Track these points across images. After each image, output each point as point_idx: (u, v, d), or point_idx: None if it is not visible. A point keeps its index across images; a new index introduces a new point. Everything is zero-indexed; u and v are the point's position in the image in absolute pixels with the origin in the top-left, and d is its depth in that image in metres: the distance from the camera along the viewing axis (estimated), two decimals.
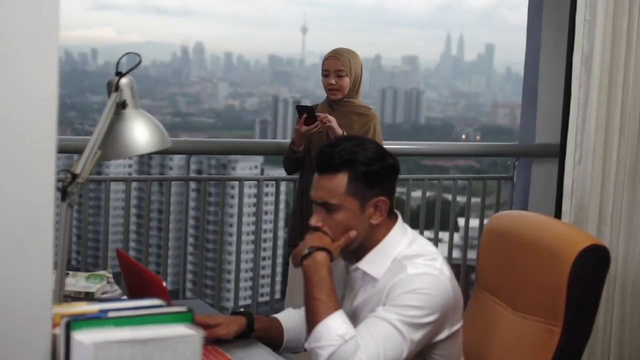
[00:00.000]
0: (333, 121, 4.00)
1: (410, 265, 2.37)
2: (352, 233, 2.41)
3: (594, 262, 2.50)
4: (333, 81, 4.10)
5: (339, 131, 4.00)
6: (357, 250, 2.48)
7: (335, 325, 2.28)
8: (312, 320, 2.33)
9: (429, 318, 2.32)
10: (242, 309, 2.66)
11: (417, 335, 2.31)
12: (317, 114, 4.05)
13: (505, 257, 2.74)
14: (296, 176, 4.38)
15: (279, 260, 4.91)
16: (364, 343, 2.26)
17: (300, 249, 2.43)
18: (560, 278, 2.48)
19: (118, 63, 2.26)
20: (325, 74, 4.13)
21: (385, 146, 4.18)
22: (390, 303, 2.33)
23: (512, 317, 2.66)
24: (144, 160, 33.41)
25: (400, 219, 2.53)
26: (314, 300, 2.34)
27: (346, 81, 4.10)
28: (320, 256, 2.38)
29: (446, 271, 2.38)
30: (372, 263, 2.46)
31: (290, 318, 2.67)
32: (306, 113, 4.06)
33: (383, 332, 2.28)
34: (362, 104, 4.22)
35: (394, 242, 2.46)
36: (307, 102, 4.21)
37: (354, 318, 2.43)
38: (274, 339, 2.63)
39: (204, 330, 2.23)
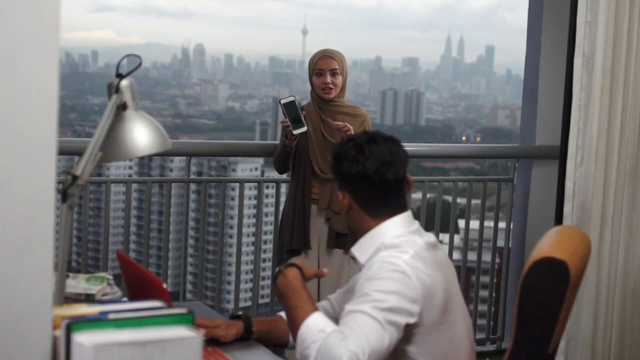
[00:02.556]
0: (351, 129, 3.99)
1: (381, 254, 2.45)
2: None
3: (545, 277, 2.29)
4: (329, 80, 4.11)
5: None
6: (354, 235, 2.63)
7: (314, 323, 2.32)
8: (294, 329, 2.37)
9: (393, 302, 2.34)
10: (240, 313, 2.67)
11: (391, 317, 2.33)
12: (336, 123, 4.02)
13: None
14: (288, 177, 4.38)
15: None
16: (347, 333, 2.29)
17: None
18: (517, 292, 2.34)
19: (118, 65, 2.26)
20: (319, 73, 4.13)
21: None
22: (356, 294, 2.39)
23: None
24: (145, 162, 33.43)
25: (406, 213, 2.58)
26: (291, 310, 2.40)
27: (339, 80, 4.13)
28: (291, 272, 2.48)
29: (413, 263, 2.41)
30: (360, 248, 2.56)
31: None
32: (290, 115, 4.04)
33: (360, 322, 2.31)
34: (350, 104, 4.23)
35: (384, 231, 2.53)
36: (297, 100, 4.14)
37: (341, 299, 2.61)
38: (277, 338, 2.65)
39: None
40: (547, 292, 2.31)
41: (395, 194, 2.58)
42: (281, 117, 4.12)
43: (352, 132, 3.97)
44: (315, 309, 2.39)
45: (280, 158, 4.21)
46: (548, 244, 2.43)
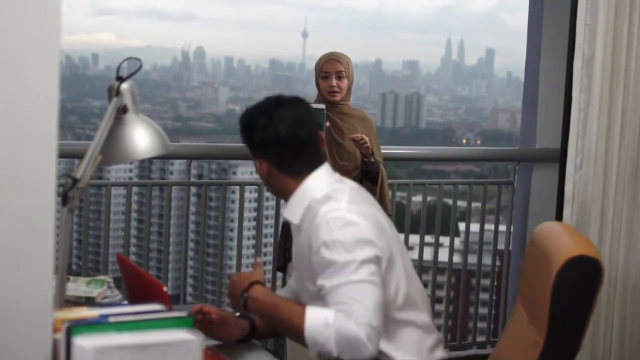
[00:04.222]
0: (367, 141, 3.99)
1: (320, 212, 2.49)
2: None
3: (580, 274, 2.35)
4: (334, 82, 4.10)
5: (371, 150, 4.00)
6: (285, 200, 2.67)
7: (314, 321, 2.35)
8: (298, 337, 2.40)
9: (361, 255, 2.39)
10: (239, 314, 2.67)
11: (368, 268, 2.38)
12: (353, 136, 4.00)
13: (529, 268, 2.71)
14: None
15: None
16: (346, 310, 2.33)
17: (234, 301, 2.55)
18: (546, 288, 2.38)
19: (119, 68, 2.26)
20: (325, 75, 4.12)
21: (386, 151, 4.19)
22: (321, 266, 2.42)
23: (526, 327, 2.60)
24: (145, 165, 33.43)
25: (324, 166, 2.63)
26: (284, 323, 2.44)
27: (345, 83, 4.12)
28: (255, 291, 2.51)
29: (353, 207, 2.48)
30: (290, 209, 2.61)
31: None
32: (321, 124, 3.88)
33: (348, 293, 2.35)
34: (356, 108, 4.24)
35: (309, 187, 2.58)
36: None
37: (297, 268, 2.65)
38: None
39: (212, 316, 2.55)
40: (581, 290, 2.38)
41: (311, 151, 2.61)
42: None
43: (368, 143, 3.97)
44: (301, 307, 2.42)
45: None
46: (571, 242, 2.49)
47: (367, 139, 3.98)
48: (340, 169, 4.04)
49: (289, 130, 2.55)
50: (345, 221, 2.44)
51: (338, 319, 2.33)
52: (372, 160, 4.04)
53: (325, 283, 2.40)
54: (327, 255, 2.41)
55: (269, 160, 2.58)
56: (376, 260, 2.43)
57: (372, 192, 4.11)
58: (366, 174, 4.07)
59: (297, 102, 2.63)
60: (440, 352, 2.68)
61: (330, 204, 2.49)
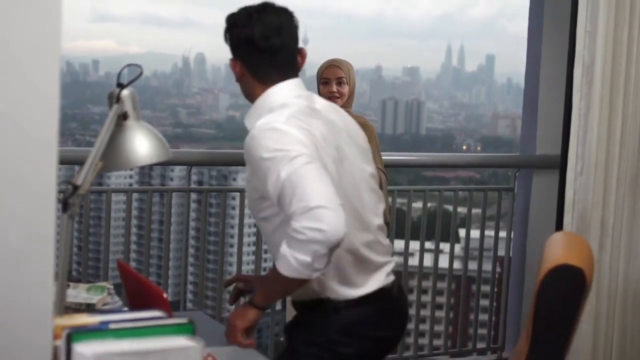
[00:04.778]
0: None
1: (257, 124, 2.58)
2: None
3: (561, 284, 2.31)
4: (334, 88, 4.11)
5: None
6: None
7: (281, 265, 2.44)
8: (295, 285, 2.50)
9: (294, 152, 2.45)
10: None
11: (304, 157, 2.44)
12: None
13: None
14: None
15: None
16: (298, 197, 2.38)
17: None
18: (533, 298, 2.36)
19: (119, 75, 2.26)
20: (325, 82, 4.14)
21: (386, 158, 4.19)
22: (262, 177, 2.50)
23: (522, 337, 2.58)
24: (145, 171, 33.38)
25: (295, 80, 2.69)
26: (280, 292, 2.68)
27: (346, 89, 4.13)
28: (253, 313, 2.61)
29: (290, 121, 2.53)
30: (249, 116, 2.71)
31: None
32: None
33: (292, 185, 2.40)
34: (357, 114, 4.24)
35: (270, 95, 2.66)
36: None
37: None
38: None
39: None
40: (564, 299, 2.33)
41: (284, 61, 2.67)
42: None
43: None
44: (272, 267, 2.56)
45: None
46: (560, 251, 2.45)
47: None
48: None
49: (264, 34, 2.61)
50: (272, 127, 2.52)
51: (286, 241, 2.40)
52: None
53: (270, 189, 2.46)
54: (264, 163, 2.49)
55: (242, 61, 2.67)
56: (308, 157, 2.45)
57: None
58: None
59: (282, 11, 2.68)
60: (376, 282, 2.71)
61: (270, 116, 2.57)
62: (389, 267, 2.77)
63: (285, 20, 2.67)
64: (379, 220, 2.76)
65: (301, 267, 2.39)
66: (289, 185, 2.40)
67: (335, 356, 2.67)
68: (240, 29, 2.64)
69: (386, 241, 2.79)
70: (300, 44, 2.74)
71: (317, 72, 4.20)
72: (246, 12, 2.65)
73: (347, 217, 2.41)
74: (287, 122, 2.52)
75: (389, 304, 2.76)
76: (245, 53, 2.66)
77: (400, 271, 5.00)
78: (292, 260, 2.39)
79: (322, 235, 2.34)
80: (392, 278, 2.77)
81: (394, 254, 2.89)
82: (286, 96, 2.64)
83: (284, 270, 2.42)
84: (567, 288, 2.33)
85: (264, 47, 2.62)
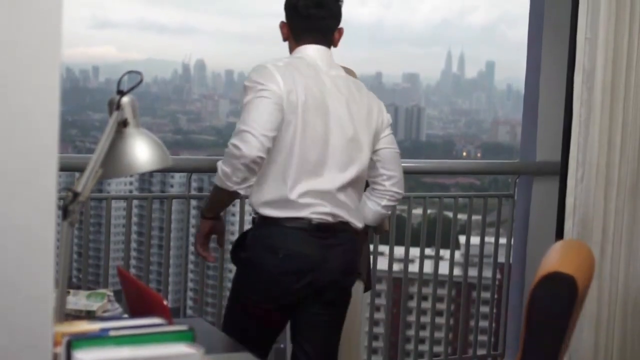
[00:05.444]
0: None
1: None
2: None
3: (551, 292, 2.31)
4: None
5: None
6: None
7: (217, 178, 3.10)
8: (227, 196, 3.18)
9: (260, 88, 3.05)
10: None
11: (262, 92, 3.04)
12: None
13: None
14: None
15: None
16: (236, 127, 3.05)
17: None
18: (525, 307, 2.37)
19: (119, 82, 2.26)
20: None
21: None
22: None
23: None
24: (145, 178, 33.34)
25: (322, 47, 3.26)
26: (218, 202, 3.30)
27: None
28: (203, 222, 3.36)
29: (280, 65, 3.12)
30: None
31: None
32: None
33: (243, 111, 3.07)
34: None
35: (296, 51, 3.26)
36: None
37: None
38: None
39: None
40: (555, 306, 2.33)
41: (319, 30, 3.24)
42: None
43: None
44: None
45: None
46: (555, 259, 2.44)
47: None
48: None
49: (306, 4, 3.21)
50: (263, 67, 3.10)
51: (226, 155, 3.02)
52: None
53: None
54: (244, 90, 3.12)
55: (288, 24, 3.29)
56: (272, 91, 3.04)
57: None
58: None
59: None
60: (275, 211, 3.13)
61: (272, 61, 3.14)
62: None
63: (331, 1, 3.25)
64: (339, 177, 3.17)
65: (223, 177, 3.02)
66: (243, 110, 3.05)
67: None
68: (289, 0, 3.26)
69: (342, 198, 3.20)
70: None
71: None
72: None
73: (296, 158, 3.05)
74: (276, 66, 3.09)
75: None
76: (291, 17, 3.27)
77: (400, 277, 5.00)
78: (219, 170, 3.04)
79: (239, 152, 2.95)
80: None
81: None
82: (305, 55, 3.22)
83: (215, 179, 3.07)
84: (557, 296, 2.32)
85: (304, 14, 3.22)
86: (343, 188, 3.13)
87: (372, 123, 3.23)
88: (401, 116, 59.72)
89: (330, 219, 3.12)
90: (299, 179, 3.06)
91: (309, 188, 3.08)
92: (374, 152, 3.26)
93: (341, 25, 3.33)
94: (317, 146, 3.08)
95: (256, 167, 2.98)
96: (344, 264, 3.19)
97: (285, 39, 3.31)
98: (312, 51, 3.21)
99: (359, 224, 3.23)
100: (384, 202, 3.35)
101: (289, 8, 3.27)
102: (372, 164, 3.27)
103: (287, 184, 3.06)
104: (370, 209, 3.33)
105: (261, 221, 3.14)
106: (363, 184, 3.29)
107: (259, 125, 2.96)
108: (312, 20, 3.21)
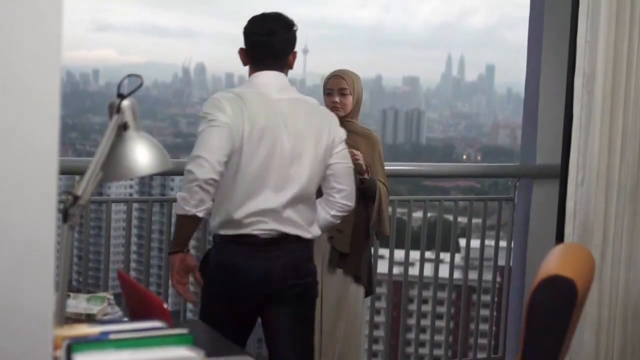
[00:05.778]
0: (360, 157, 3.99)
1: None
2: None
3: (551, 295, 2.32)
4: (337, 99, 4.12)
5: (364, 166, 4.01)
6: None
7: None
8: (191, 222, 3.35)
9: (210, 116, 3.28)
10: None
11: (212, 122, 3.27)
12: (349, 150, 4.04)
13: None
14: None
15: None
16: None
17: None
18: (525, 310, 2.37)
19: (119, 85, 2.26)
20: (329, 92, 4.15)
21: (386, 167, 4.18)
22: None
23: None
24: (145, 181, 33.38)
25: (275, 73, 3.42)
26: (183, 231, 3.41)
27: (349, 100, 4.12)
28: (175, 257, 3.44)
29: (229, 96, 3.33)
30: None
31: None
32: None
33: (197, 139, 3.30)
34: (363, 126, 4.24)
35: (251, 78, 3.46)
36: None
37: None
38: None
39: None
40: (555, 310, 2.33)
41: (271, 56, 3.41)
42: None
43: (361, 160, 3.98)
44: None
45: None
46: (555, 262, 2.44)
47: (360, 156, 3.98)
48: None
49: (258, 32, 3.41)
50: (213, 97, 3.35)
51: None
52: (367, 177, 4.03)
53: None
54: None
55: (245, 49, 3.46)
56: (221, 120, 3.25)
57: (369, 210, 4.10)
58: (363, 192, 4.06)
59: (283, 21, 3.44)
60: (228, 229, 3.37)
61: (224, 91, 3.39)
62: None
63: (281, 28, 3.42)
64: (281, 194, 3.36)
65: (181, 202, 3.26)
66: (197, 138, 3.28)
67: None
68: (247, 26, 3.45)
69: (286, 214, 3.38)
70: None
71: (323, 83, 4.22)
72: (256, 16, 3.46)
73: (244, 180, 3.29)
74: (226, 97, 3.32)
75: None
76: (247, 44, 3.45)
77: (400, 281, 5.00)
78: (178, 198, 3.30)
79: (192, 176, 3.20)
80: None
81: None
82: (257, 82, 3.41)
83: (176, 210, 3.32)
84: (557, 299, 2.32)
85: (258, 42, 3.42)
86: (288, 205, 3.35)
87: (322, 141, 3.40)
88: (401, 119, 59.74)
89: (274, 234, 3.36)
90: (243, 201, 3.32)
91: (252, 209, 3.32)
92: (328, 166, 3.44)
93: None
94: (260, 170, 3.31)
95: (210, 189, 3.23)
96: (292, 270, 3.40)
97: (244, 64, 3.49)
98: (264, 77, 3.41)
99: (308, 235, 3.43)
100: (333, 212, 3.53)
101: (245, 35, 3.46)
102: (325, 177, 3.47)
103: (233, 205, 3.32)
104: (320, 216, 3.51)
105: (217, 240, 3.43)
106: (312, 198, 3.46)
107: (211, 151, 3.21)
108: (265, 48, 3.41)
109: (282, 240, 3.37)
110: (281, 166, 3.34)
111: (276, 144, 3.33)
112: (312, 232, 3.46)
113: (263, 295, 3.40)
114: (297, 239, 3.40)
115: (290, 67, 3.50)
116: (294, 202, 3.37)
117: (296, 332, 3.49)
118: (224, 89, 3.45)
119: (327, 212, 3.54)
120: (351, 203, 3.54)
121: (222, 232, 3.38)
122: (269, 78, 3.41)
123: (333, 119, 3.52)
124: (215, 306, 3.47)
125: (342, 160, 3.49)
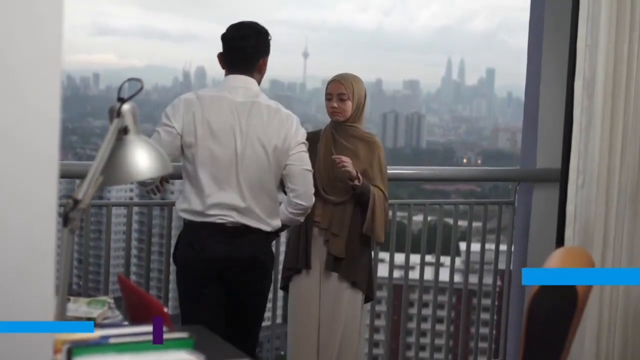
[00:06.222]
0: (348, 164, 3.99)
1: None
2: None
3: (550, 300, 2.31)
4: (335, 104, 4.12)
5: (354, 172, 3.99)
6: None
7: None
8: None
9: (163, 119, 3.68)
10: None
11: (163, 127, 3.66)
12: (333, 157, 4.04)
13: None
14: None
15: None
16: None
17: None
18: (525, 315, 2.36)
19: (120, 89, 2.26)
20: (328, 97, 4.15)
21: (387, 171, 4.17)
22: None
23: None
24: None
25: (245, 78, 3.74)
26: None
27: (348, 105, 4.12)
28: None
29: (190, 97, 3.70)
30: None
31: None
32: None
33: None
34: (365, 131, 4.23)
35: (222, 81, 3.78)
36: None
37: None
38: None
39: None
40: (555, 314, 2.33)
41: (242, 61, 3.72)
42: None
43: (350, 167, 3.97)
44: None
45: None
46: (556, 266, 2.43)
47: (348, 163, 3.98)
48: (335, 187, 4.04)
49: (233, 37, 3.72)
50: (175, 101, 3.70)
51: None
52: (358, 183, 4.01)
53: None
54: None
55: (222, 54, 3.77)
56: (170, 125, 3.63)
57: (365, 216, 4.09)
58: (357, 198, 4.06)
59: (256, 29, 3.76)
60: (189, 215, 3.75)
61: (189, 94, 3.73)
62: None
63: (254, 34, 3.75)
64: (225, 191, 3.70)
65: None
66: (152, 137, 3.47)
67: None
68: (225, 32, 3.76)
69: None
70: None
71: (326, 86, 4.23)
72: (234, 23, 3.78)
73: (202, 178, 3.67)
74: (187, 100, 3.68)
75: None
76: (223, 48, 3.76)
77: (401, 284, 5.00)
78: None
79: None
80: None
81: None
82: (226, 85, 3.71)
83: None
84: (557, 303, 2.32)
85: (232, 46, 3.73)
86: (247, 199, 3.69)
87: (277, 143, 3.68)
88: (401, 123, 59.75)
89: (235, 224, 3.70)
90: (207, 194, 3.68)
91: (214, 201, 3.67)
92: (284, 167, 3.74)
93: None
94: (217, 168, 3.65)
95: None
96: (249, 258, 3.75)
97: (222, 68, 3.79)
98: (234, 81, 3.73)
99: (267, 228, 3.75)
100: (290, 209, 3.81)
101: (222, 40, 3.77)
102: (282, 177, 3.77)
103: (198, 198, 3.71)
104: (282, 212, 3.82)
105: (184, 224, 3.82)
106: (273, 191, 3.78)
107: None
108: (237, 51, 3.73)
109: (242, 229, 3.71)
110: (235, 164, 3.66)
111: (229, 144, 3.66)
112: (271, 225, 3.76)
113: (220, 275, 3.76)
114: (257, 230, 3.73)
115: (260, 72, 3.80)
116: (255, 196, 3.70)
117: (247, 319, 3.89)
118: (192, 91, 3.81)
119: (286, 208, 3.83)
120: (305, 202, 3.80)
121: (188, 217, 3.77)
122: (238, 82, 3.72)
123: (292, 124, 3.76)
124: (183, 279, 3.93)
125: (296, 162, 3.75)
